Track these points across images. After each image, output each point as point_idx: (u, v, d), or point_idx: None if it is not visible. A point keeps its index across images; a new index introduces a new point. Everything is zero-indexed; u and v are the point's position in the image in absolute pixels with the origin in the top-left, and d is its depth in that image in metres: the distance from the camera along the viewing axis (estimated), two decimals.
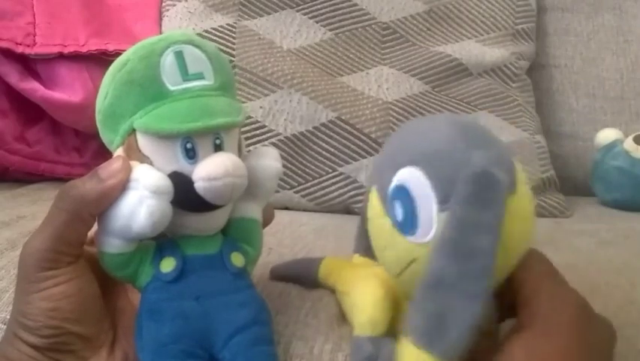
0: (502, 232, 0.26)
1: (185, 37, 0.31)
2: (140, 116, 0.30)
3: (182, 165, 0.30)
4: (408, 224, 0.27)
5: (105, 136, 0.32)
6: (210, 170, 0.29)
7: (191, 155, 0.30)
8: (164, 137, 0.30)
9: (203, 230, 0.32)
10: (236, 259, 0.33)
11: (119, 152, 0.31)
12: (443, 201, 0.27)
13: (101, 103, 0.31)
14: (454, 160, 0.27)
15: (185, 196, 0.30)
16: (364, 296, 0.32)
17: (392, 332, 0.31)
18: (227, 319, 0.31)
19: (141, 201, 0.28)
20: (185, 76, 0.30)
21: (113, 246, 0.30)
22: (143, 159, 0.30)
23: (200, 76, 0.31)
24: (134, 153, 0.30)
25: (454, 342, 0.24)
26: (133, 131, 0.30)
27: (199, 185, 0.30)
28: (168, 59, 0.30)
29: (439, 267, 0.25)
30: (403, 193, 0.28)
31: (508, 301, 0.29)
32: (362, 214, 0.39)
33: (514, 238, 0.27)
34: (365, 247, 0.40)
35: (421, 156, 0.27)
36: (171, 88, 0.30)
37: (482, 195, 0.25)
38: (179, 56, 0.30)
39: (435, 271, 0.25)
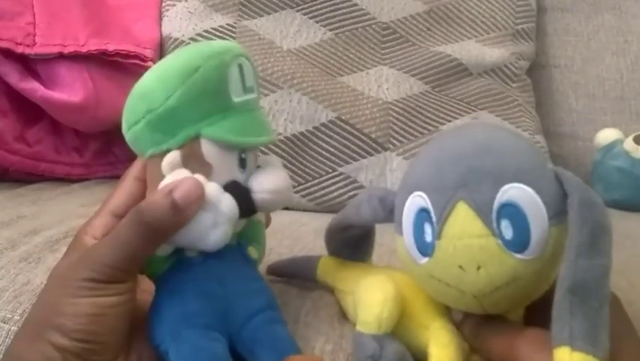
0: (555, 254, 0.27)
1: (242, 51, 0.33)
2: (209, 124, 0.30)
3: (236, 175, 0.32)
4: (519, 242, 0.27)
5: (150, 135, 0.31)
6: (277, 184, 0.32)
7: (243, 165, 0.32)
8: (230, 147, 0.31)
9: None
10: (252, 252, 0.35)
11: (174, 155, 0.30)
12: (552, 216, 0.27)
13: (157, 103, 0.30)
14: (547, 173, 0.27)
15: (239, 205, 0.31)
16: (374, 294, 0.32)
17: (394, 331, 0.32)
18: (246, 303, 0.32)
19: (216, 225, 0.30)
20: (244, 89, 0.32)
21: (163, 249, 0.31)
22: (205, 166, 0.31)
23: (252, 89, 0.33)
24: (196, 159, 0.31)
25: (606, 342, 0.25)
26: (196, 138, 0.31)
27: (262, 196, 0.32)
28: (234, 71, 0.32)
29: (583, 270, 0.25)
30: (513, 211, 0.27)
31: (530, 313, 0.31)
32: (347, 217, 0.38)
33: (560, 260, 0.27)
34: (335, 249, 0.40)
35: (523, 173, 0.27)
36: (235, 99, 0.31)
37: (598, 200, 0.26)
38: (241, 68, 0.32)
39: (580, 275, 0.25)
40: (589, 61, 0.89)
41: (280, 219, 0.58)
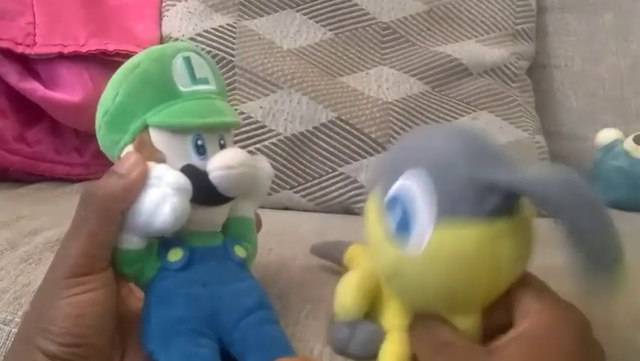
0: (501, 254, 0.26)
1: (190, 46, 0.34)
2: (154, 113, 0.31)
3: (193, 160, 0.32)
4: (400, 235, 0.27)
5: (109, 137, 0.33)
6: (227, 159, 0.32)
7: (202, 151, 0.32)
8: (178, 132, 0.32)
9: (207, 225, 0.34)
10: (239, 251, 0.34)
11: (128, 149, 0.32)
12: (439, 214, 0.26)
13: (109, 103, 0.32)
14: (455, 176, 0.26)
15: (198, 188, 0.31)
16: (341, 284, 0.34)
17: (372, 317, 0.33)
18: (235, 304, 0.32)
19: (164, 199, 0.30)
20: (194, 80, 0.33)
21: (129, 242, 0.31)
22: (156, 154, 0.31)
23: (205, 81, 0.33)
24: (146, 149, 0.31)
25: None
26: (145, 128, 0.32)
27: (215, 174, 0.31)
28: (179, 63, 0.32)
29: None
30: (399, 203, 0.27)
31: (493, 321, 0.29)
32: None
33: (511, 260, 0.27)
34: None
35: (421, 169, 0.27)
36: (182, 89, 0.32)
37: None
38: (188, 61, 0.33)
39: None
40: (589, 61, 0.89)
41: (280, 219, 0.58)
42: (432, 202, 0.26)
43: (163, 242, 0.33)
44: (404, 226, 0.27)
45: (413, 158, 0.28)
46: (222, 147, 0.33)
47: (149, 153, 0.31)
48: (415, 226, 0.26)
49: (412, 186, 0.27)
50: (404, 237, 0.27)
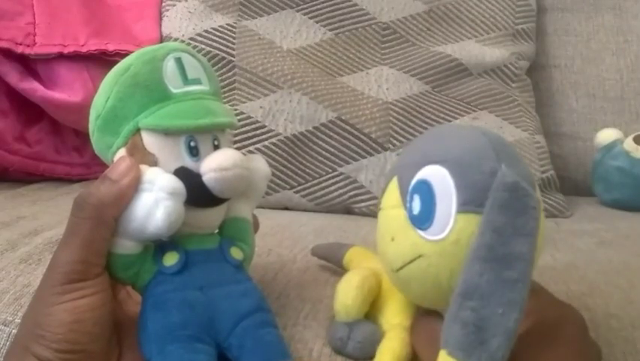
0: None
1: (181, 47, 0.33)
2: (146, 116, 0.31)
3: (186, 162, 0.32)
4: (423, 219, 0.28)
5: (102, 141, 0.33)
6: (221, 161, 0.31)
7: (195, 153, 0.32)
8: (170, 134, 0.31)
9: (202, 227, 0.34)
10: (236, 253, 0.34)
11: (121, 153, 0.32)
12: (463, 203, 0.27)
13: (101, 107, 0.32)
14: (482, 168, 0.27)
15: (192, 190, 0.31)
16: (340, 285, 0.34)
17: (372, 317, 0.34)
18: (231, 307, 0.32)
19: (157, 203, 0.29)
20: (185, 80, 0.32)
21: (124, 247, 0.31)
22: (149, 156, 0.31)
23: (198, 81, 0.33)
24: (138, 151, 0.31)
25: (494, 352, 0.23)
26: (137, 131, 0.31)
27: (209, 176, 0.31)
28: (170, 64, 0.32)
29: (474, 274, 0.25)
30: (424, 188, 0.28)
31: None
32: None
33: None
34: None
35: (450, 157, 0.28)
36: (174, 91, 0.32)
37: (517, 202, 0.25)
38: (179, 62, 0.33)
39: (470, 279, 0.25)
40: (589, 61, 0.89)
41: (280, 220, 0.58)
42: (457, 190, 0.27)
43: (159, 246, 0.33)
44: (427, 210, 0.27)
45: (440, 147, 0.29)
46: (216, 147, 0.33)
47: (142, 156, 0.31)
48: (439, 211, 0.27)
49: (439, 173, 0.28)
50: (427, 221, 0.27)
